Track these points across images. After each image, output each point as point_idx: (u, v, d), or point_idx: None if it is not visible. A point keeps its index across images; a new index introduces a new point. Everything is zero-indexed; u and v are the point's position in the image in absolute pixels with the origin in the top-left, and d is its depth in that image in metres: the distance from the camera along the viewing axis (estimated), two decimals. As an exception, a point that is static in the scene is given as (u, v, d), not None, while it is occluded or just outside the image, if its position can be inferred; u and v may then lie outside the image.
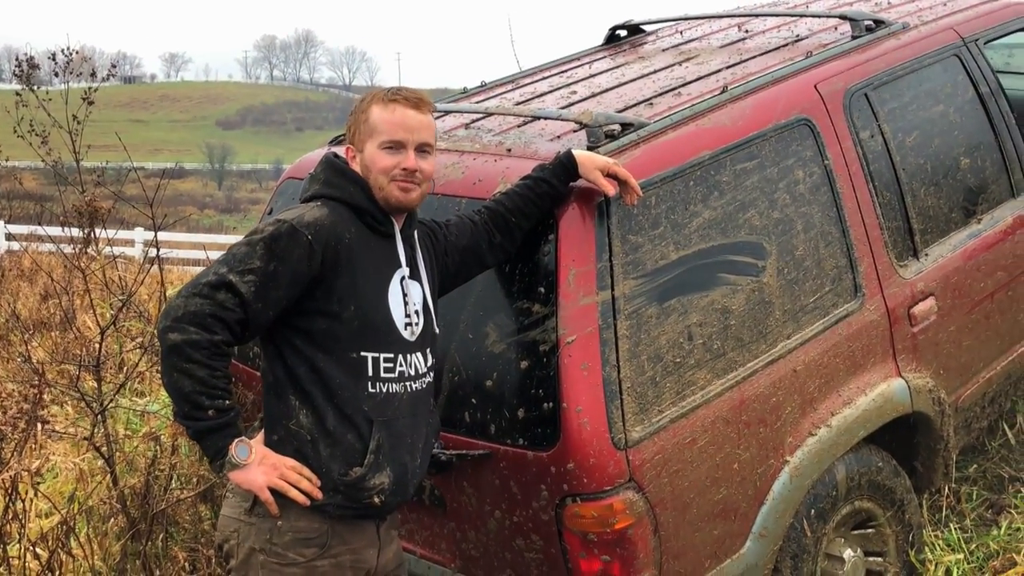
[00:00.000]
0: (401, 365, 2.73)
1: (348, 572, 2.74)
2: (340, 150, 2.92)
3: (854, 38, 3.96)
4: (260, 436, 2.71)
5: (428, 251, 2.89)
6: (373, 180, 2.74)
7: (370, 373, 2.68)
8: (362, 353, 2.67)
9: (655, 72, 4.02)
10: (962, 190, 4.05)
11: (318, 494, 2.64)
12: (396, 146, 2.72)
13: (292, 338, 2.67)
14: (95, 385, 4.54)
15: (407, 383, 2.75)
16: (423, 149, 2.76)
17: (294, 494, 2.61)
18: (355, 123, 2.80)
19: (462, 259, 2.97)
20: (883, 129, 3.78)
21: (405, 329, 2.74)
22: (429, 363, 2.83)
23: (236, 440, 2.58)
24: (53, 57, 6.59)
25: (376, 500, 2.69)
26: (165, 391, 2.65)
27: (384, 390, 2.70)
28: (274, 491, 2.62)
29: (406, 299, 2.75)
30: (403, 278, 2.76)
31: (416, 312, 2.78)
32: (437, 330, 2.87)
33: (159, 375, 6.30)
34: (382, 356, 2.69)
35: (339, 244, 2.64)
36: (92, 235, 5.89)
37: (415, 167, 2.73)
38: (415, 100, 2.76)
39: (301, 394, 2.66)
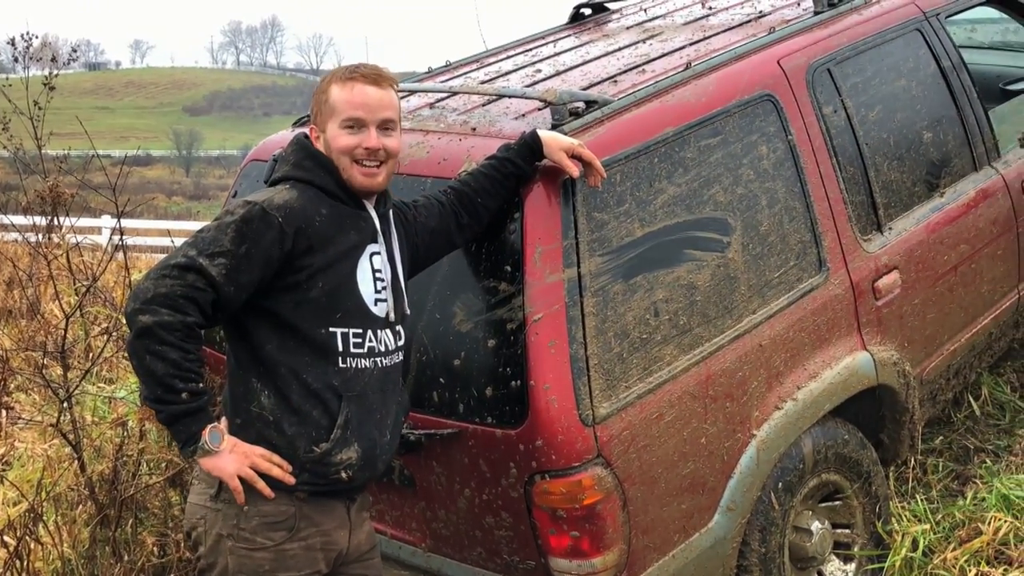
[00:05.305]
0: (371, 340, 2.71)
1: (319, 554, 2.72)
2: (308, 131, 2.89)
3: (816, 13, 3.97)
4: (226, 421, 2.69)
5: (400, 231, 2.88)
6: (337, 160, 2.72)
7: (339, 348, 2.66)
8: (331, 329, 2.65)
9: (619, 50, 4.02)
10: (925, 164, 4.08)
11: (290, 479, 2.61)
12: (357, 125, 2.70)
13: (258, 318, 2.64)
14: (61, 372, 4.49)
15: (377, 359, 2.73)
16: (386, 127, 2.73)
17: (261, 486, 2.58)
18: (317, 103, 2.77)
19: (432, 240, 2.95)
20: (846, 104, 3.79)
21: (375, 305, 2.72)
22: (400, 341, 2.81)
23: (209, 426, 2.54)
24: (12, 42, 6.49)
25: (344, 475, 2.67)
26: (136, 375, 2.58)
27: (354, 365, 2.68)
28: (242, 480, 2.59)
29: (376, 275, 2.73)
30: (373, 254, 2.74)
31: (386, 289, 2.76)
32: (408, 310, 2.86)
33: (126, 360, 6.29)
34: (351, 331, 2.68)
35: (309, 227, 2.62)
36: (56, 222, 5.83)
37: (378, 146, 2.70)
38: (374, 76, 2.72)
39: (264, 375, 2.64)
